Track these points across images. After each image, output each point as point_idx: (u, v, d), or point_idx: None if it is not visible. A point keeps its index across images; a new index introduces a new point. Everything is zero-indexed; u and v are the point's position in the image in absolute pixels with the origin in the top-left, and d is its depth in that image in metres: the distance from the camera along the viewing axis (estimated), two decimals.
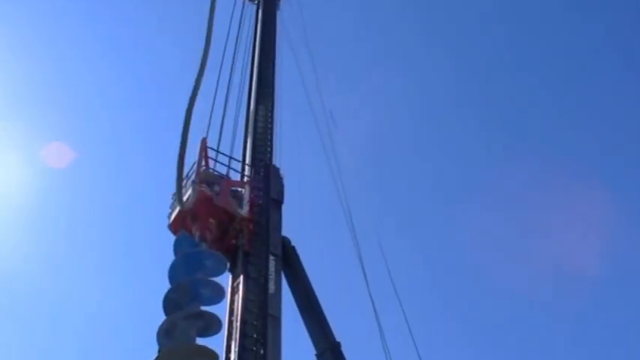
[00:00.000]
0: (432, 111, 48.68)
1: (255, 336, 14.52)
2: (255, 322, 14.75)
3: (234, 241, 16.06)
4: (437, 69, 48.47)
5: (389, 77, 45.45)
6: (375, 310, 16.82)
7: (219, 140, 18.21)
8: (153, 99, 46.98)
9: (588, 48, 48.98)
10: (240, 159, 18.58)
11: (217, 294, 14.14)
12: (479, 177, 47.02)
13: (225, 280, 15.66)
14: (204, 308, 13.76)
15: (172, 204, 16.76)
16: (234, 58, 21.70)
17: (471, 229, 40.42)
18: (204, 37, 18.21)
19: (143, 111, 47.35)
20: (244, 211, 16.28)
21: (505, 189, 42.26)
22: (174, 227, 16.21)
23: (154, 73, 47.04)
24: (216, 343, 13.80)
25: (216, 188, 16.25)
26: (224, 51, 21.29)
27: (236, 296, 15.36)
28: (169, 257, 14.48)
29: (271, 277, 15.70)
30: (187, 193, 16.09)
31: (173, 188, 15.73)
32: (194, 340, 13.43)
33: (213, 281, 14.28)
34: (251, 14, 24.75)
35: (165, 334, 13.62)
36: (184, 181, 16.27)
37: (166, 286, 13.91)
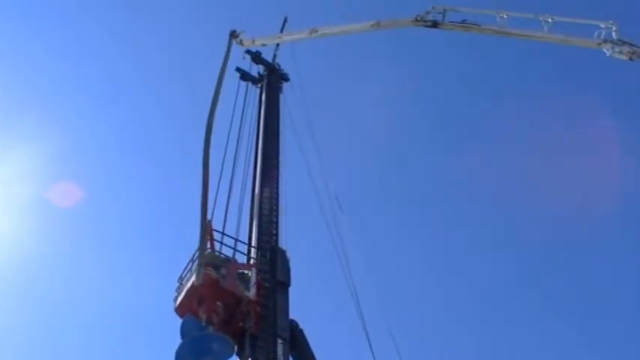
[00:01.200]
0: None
1: None
2: None
3: (241, 324, 15.86)
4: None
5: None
6: None
7: (225, 222, 18.22)
8: (164, 146, 47.24)
9: None
10: (246, 241, 18.51)
11: None
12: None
13: None
14: None
15: (178, 287, 16.67)
16: (238, 140, 21.94)
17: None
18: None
19: (154, 159, 47.65)
20: (251, 293, 16.13)
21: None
22: (180, 310, 16.08)
23: (166, 118, 47.42)
24: None
25: (223, 271, 16.12)
26: (228, 133, 21.54)
27: None
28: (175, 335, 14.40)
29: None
30: (192, 277, 16.00)
31: (177, 256, 15.72)
32: None
33: None
34: (254, 98, 25.20)
35: None
36: (190, 265, 16.25)
37: None
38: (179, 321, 15.57)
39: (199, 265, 15.88)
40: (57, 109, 47.04)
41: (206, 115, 18.11)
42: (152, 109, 48.45)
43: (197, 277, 15.64)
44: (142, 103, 49.62)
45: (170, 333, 15.54)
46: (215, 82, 19.93)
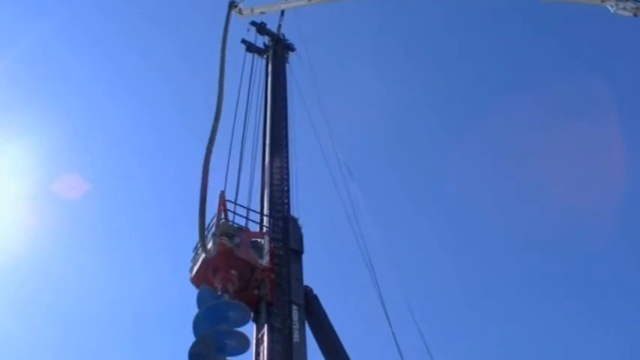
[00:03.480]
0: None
1: None
2: None
3: (256, 292, 16.08)
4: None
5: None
6: (400, 354, 16.71)
7: (237, 193, 18.38)
8: (172, 135, 47.27)
9: None
10: (258, 211, 18.69)
11: (242, 344, 14.16)
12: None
13: (250, 331, 15.68)
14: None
15: (194, 258, 16.88)
16: (246, 111, 22.03)
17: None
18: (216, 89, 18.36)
19: (161, 150, 47.70)
20: (265, 261, 16.32)
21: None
22: (196, 281, 16.30)
23: (173, 106, 47.39)
24: None
25: (236, 240, 16.31)
26: (237, 104, 21.62)
27: (261, 347, 15.35)
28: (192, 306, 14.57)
29: (295, 326, 15.67)
30: (208, 246, 16.17)
31: (189, 230, 15.82)
32: None
33: (238, 331, 14.31)
34: (261, 68, 25.22)
35: None
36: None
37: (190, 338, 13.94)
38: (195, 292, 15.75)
39: (213, 235, 16.09)
40: (63, 100, 46.86)
41: (213, 97, 18.11)
42: (159, 97, 48.22)
43: (211, 247, 15.83)
44: (148, 92, 49.48)
45: (187, 304, 15.73)
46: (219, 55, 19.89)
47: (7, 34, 46.17)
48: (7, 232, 36.65)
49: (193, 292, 15.81)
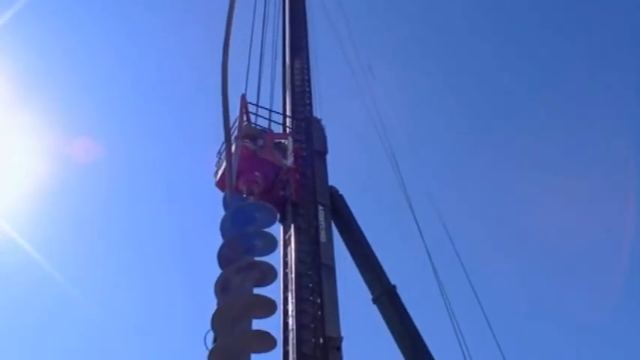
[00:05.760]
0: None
1: (310, 286, 14.56)
2: (309, 272, 14.82)
3: (281, 193, 16.11)
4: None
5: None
6: (428, 252, 16.77)
7: (258, 95, 18.17)
8: (180, 93, 46.65)
9: None
10: (281, 113, 18.52)
11: (270, 244, 13.97)
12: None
13: (277, 233, 15.71)
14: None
15: (218, 162, 16.84)
16: (264, 13, 21.57)
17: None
18: None
19: (172, 104, 47.19)
20: (289, 161, 16.26)
21: None
22: (221, 184, 16.27)
23: (183, 68, 46.70)
24: (272, 295, 13.82)
25: (260, 142, 16.22)
26: (255, 6, 21.16)
27: (289, 249, 15.44)
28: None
29: (321, 226, 15.69)
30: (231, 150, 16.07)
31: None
32: (251, 291, 13.48)
33: (265, 231, 14.19)
34: None
35: (221, 290, 13.67)
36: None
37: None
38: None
39: (236, 138, 15.96)
40: (77, 64, 46.06)
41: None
42: (172, 58, 47.12)
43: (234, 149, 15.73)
44: (162, 53, 48.41)
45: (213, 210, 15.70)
46: None
47: None
48: (20, 194, 36.42)
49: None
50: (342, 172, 19.04)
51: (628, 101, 43.32)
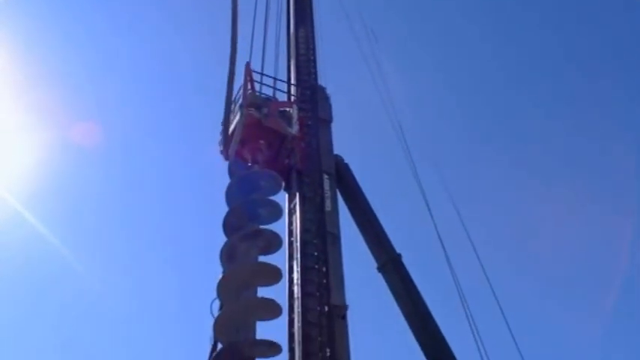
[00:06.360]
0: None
1: (315, 254, 14.58)
2: (314, 241, 14.82)
3: (286, 161, 16.05)
4: None
5: None
6: (433, 221, 16.78)
7: (263, 63, 18.03)
8: (182, 77, 46.23)
9: None
10: (285, 81, 18.42)
11: (275, 212, 14.15)
12: None
13: (282, 201, 15.67)
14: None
15: (222, 130, 16.77)
16: None
17: None
18: None
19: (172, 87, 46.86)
20: (294, 130, 16.17)
21: None
22: (226, 153, 16.22)
23: (186, 52, 46.27)
24: (278, 264, 13.85)
25: (264, 110, 16.13)
26: None
27: (294, 217, 15.43)
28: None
29: (327, 195, 15.68)
30: (236, 119, 16.04)
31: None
32: (256, 259, 13.53)
33: (269, 199, 14.28)
34: None
35: (227, 257, 13.72)
36: (232, 106, 16.23)
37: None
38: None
39: (241, 106, 15.91)
40: (79, 46, 45.66)
41: None
42: (174, 43, 46.62)
43: (239, 118, 15.70)
44: (164, 37, 47.93)
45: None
46: None
47: None
48: (22, 175, 36.29)
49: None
50: (347, 140, 18.97)
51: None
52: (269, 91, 17.27)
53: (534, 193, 38.77)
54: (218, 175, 15.99)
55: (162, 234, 41.73)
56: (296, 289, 13.90)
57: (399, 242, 16.53)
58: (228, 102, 15.67)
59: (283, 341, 13.08)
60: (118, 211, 41.56)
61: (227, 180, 14.64)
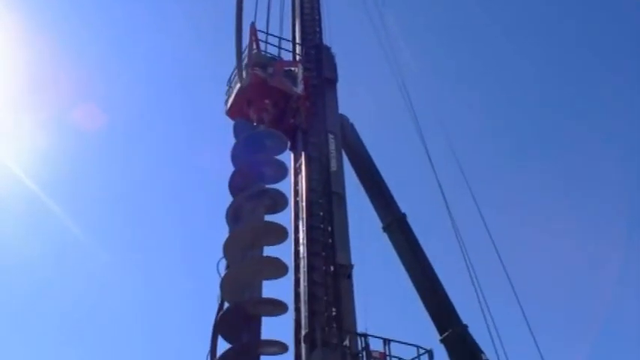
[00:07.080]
0: None
1: (321, 214, 14.60)
2: (320, 201, 14.82)
3: (292, 121, 15.96)
4: None
5: None
6: (438, 181, 16.80)
7: (268, 23, 17.86)
8: (185, 60, 45.76)
9: None
10: (290, 40, 18.27)
11: (280, 171, 14.17)
12: None
13: (287, 161, 15.63)
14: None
15: (228, 91, 16.73)
16: None
17: None
18: None
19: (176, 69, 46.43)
20: (299, 89, 16.06)
21: None
22: (231, 113, 16.21)
23: (187, 36, 45.90)
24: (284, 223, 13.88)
25: (270, 70, 16.02)
26: None
27: (299, 177, 15.42)
28: None
29: (332, 155, 15.64)
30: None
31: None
32: (262, 218, 13.58)
33: (274, 158, 14.29)
34: None
35: (233, 217, 13.77)
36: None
37: None
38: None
39: (246, 66, 15.82)
40: (83, 29, 45.07)
41: None
42: (181, 29, 46.04)
43: (244, 77, 15.63)
44: (171, 22, 47.32)
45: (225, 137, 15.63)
46: None
47: None
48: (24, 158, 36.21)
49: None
50: (352, 100, 18.88)
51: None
52: (274, 51, 17.14)
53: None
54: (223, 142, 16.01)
55: (168, 201, 41.55)
56: (302, 248, 13.98)
57: (404, 202, 16.62)
58: (239, 55, 15.56)
59: (289, 301, 13.21)
60: (124, 188, 41.60)
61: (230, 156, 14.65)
